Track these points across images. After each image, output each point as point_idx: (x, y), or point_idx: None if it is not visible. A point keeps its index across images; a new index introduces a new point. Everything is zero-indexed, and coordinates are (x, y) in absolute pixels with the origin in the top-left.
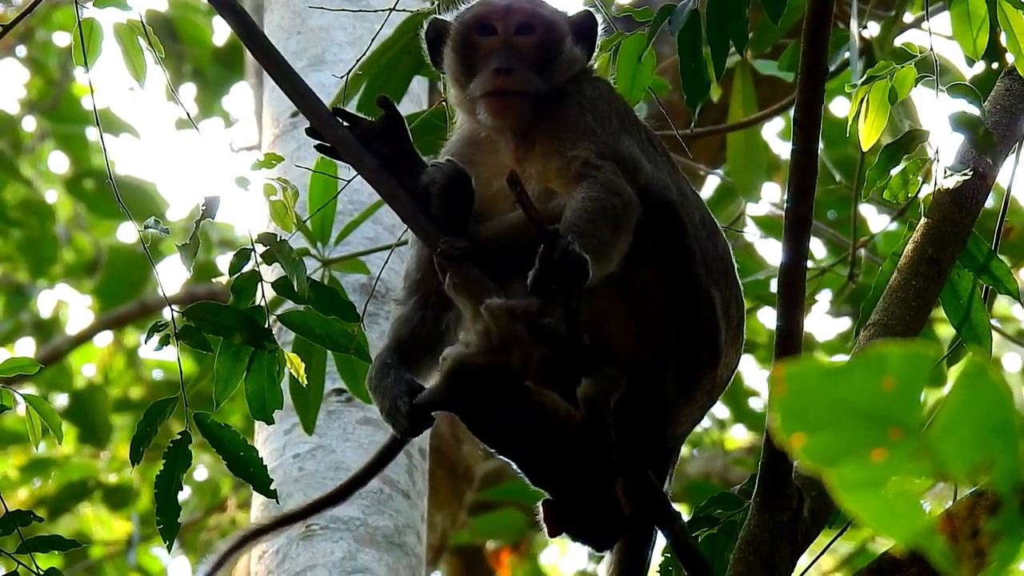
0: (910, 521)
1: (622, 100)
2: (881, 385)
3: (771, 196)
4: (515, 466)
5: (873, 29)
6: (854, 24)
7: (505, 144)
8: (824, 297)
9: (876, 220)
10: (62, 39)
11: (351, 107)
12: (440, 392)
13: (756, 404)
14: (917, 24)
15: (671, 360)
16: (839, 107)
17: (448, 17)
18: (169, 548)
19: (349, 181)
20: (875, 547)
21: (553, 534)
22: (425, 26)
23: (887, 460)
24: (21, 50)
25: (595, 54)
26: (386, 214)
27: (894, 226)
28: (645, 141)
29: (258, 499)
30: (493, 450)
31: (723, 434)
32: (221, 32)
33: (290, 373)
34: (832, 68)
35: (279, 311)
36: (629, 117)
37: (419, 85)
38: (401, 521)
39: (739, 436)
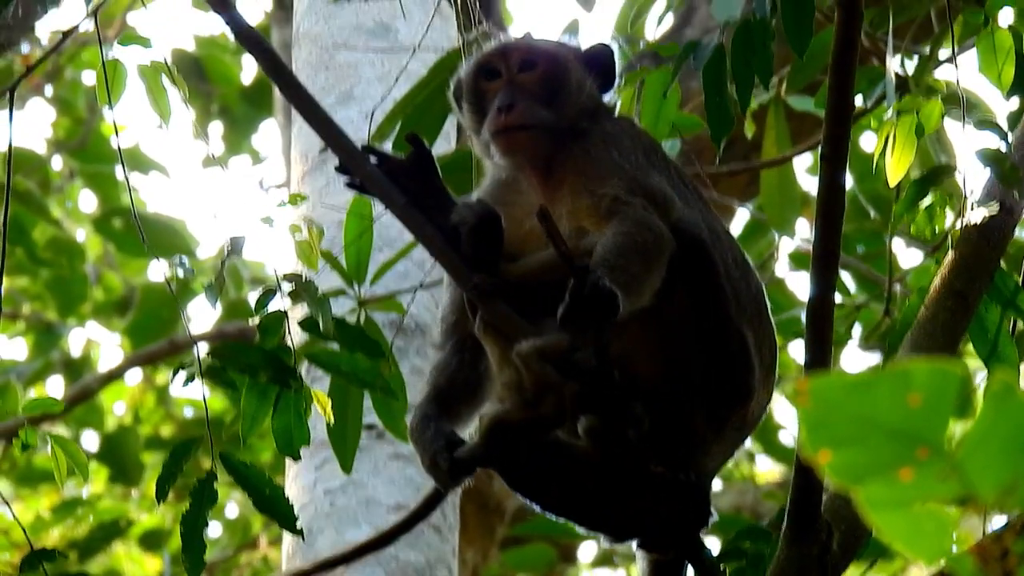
0: (939, 542)
1: (647, 135)
2: (907, 401)
3: (802, 231)
4: (564, 519)
5: (910, 66)
6: (889, 60)
7: (531, 184)
8: (857, 333)
9: (905, 254)
10: (89, 78)
11: (386, 147)
12: (479, 449)
13: (786, 438)
14: (951, 60)
15: (701, 396)
16: (872, 142)
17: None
18: None
19: (379, 217)
20: None
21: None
22: (451, 85)
23: (915, 480)
24: (48, 89)
25: (615, 86)
26: (417, 250)
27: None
28: (675, 177)
29: (289, 536)
30: (536, 505)
31: (753, 468)
32: (249, 70)
33: (319, 411)
34: (869, 105)
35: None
36: (656, 153)
37: (450, 124)
38: (432, 556)
39: (770, 470)
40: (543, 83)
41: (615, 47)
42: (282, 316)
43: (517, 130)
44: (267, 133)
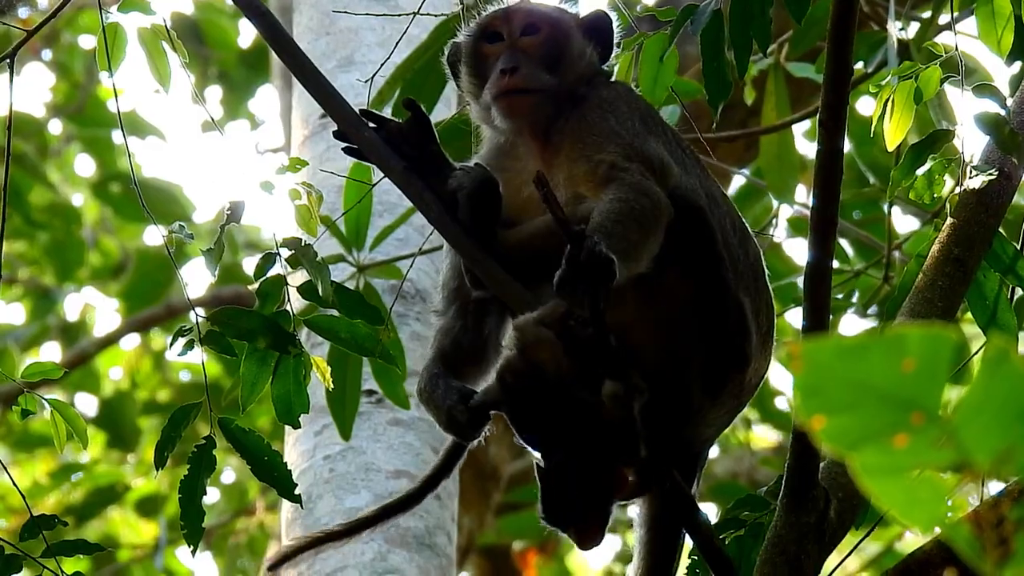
0: (934, 509)
1: (644, 101)
2: (901, 367)
3: (798, 196)
4: (537, 453)
5: (911, 32)
6: (891, 26)
7: (529, 150)
8: (856, 299)
9: (902, 220)
10: (87, 42)
11: (386, 112)
12: (493, 391)
13: (782, 404)
14: (951, 25)
15: (698, 364)
16: (870, 107)
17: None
18: (194, 552)
19: (377, 183)
20: (902, 547)
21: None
22: (446, 51)
23: (910, 446)
24: (47, 54)
25: (613, 55)
26: (416, 215)
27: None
28: (672, 143)
29: (288, 503)
30: (537, 449)
31: (749, 434)
32: (247, 34)
33: (318, 377)
34: (869, 70)
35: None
36: (653, 119)
37: (451, 89)
38: (431, 522)
39: (765, 436)
40: (545, 48)
41: (613, 16)
42: (281, 281)
43: (519, 93)
44: (265, 98)
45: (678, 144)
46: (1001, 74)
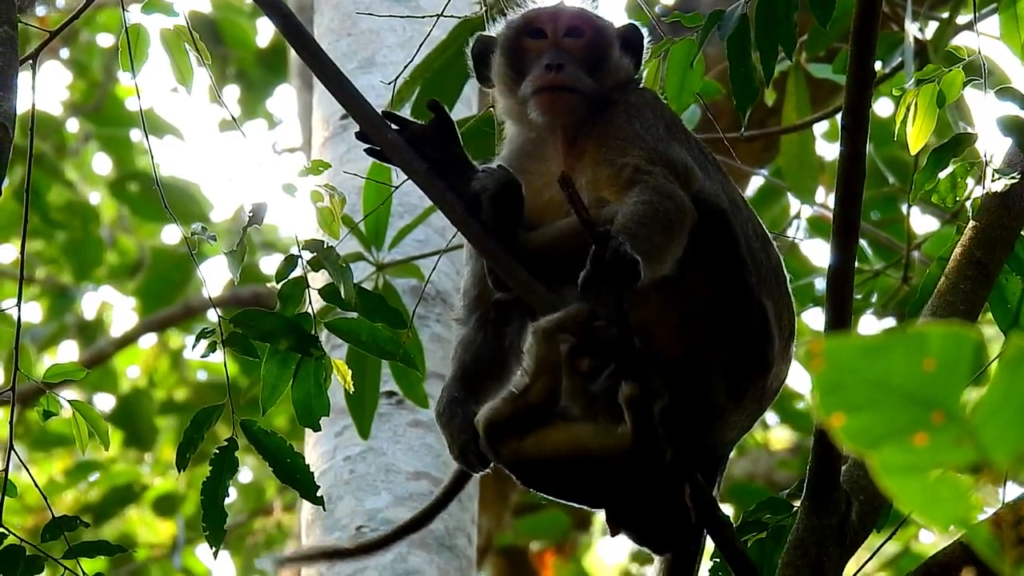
0: (954, 508)
1: (669, 109)
2: (922, 366)
3: (818, 197)
4: (576, 504)
5: (929, 32)
6: (908, 26)
7: (554, 151)
8: (875, 300)
9: (920, 221)
10: (106, 41)
11: (405, 111)
12: (489, 454)
13: (801, 406)
14: (970, 26)
15: (720, 368)
16: (888, 108)
17: (494, 32)
18: (216, 554)
19: (399, 185)
20: (919, 548)
21: (614, 534)
22: (471, 43)
23: (930, 444)
24: (64, 52)
25: (642, 66)
26: (436, 217)
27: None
28: (696, 150)
29: (308, 504)
30: (550, 496)
31: (767, 436)
32: (265, 33)
33: (338, 379)
34: (887, 71)
35: (330, 317)
36: (677, 125)
37: (471, 89)
38: (452, 524)
39: (783, 437)
40: (588, 51)
41: (644, 32)
42: (303, 283)
43: (562, 90)
44: (283, 97)
45: (701, 151)
46: (1018, 75)
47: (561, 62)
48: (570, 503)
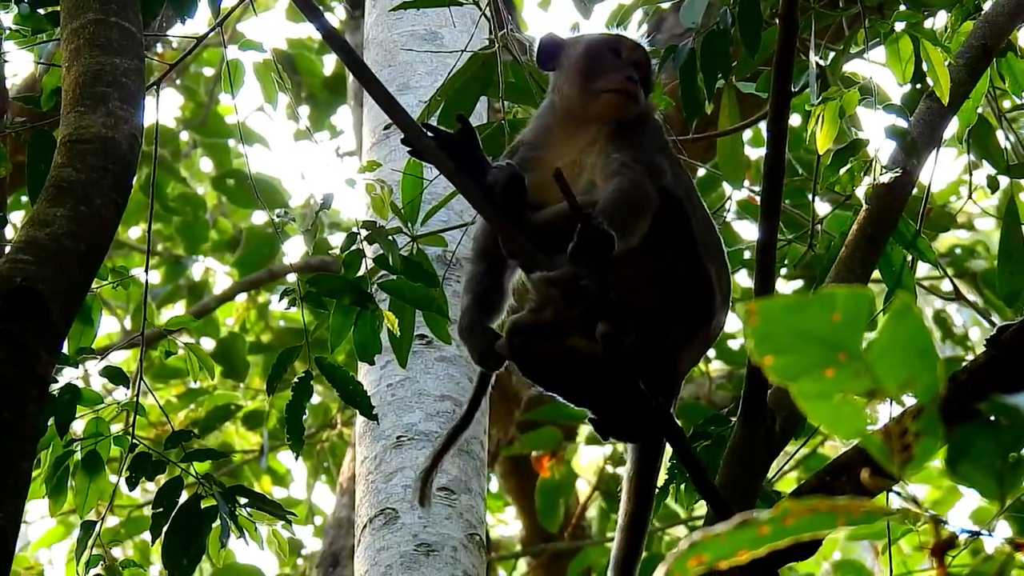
0: (854, 423)
1: (664, 134)
2: (831, 318)
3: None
4: (562, 398)
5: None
6: (812, 56)
7: (574, 137)
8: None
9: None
10: (209, 71)
11: (432, 121)
12: (505, 348)
13: (733, 344)
14: (860, 55)
15: (675, 316)
16: (797, 119)
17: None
18: (297, 456)
19: (433, 180)
20: (825, 451)
21: (604, 438)
22: (538, 41)
23: (836, 377)
24: (178, 80)
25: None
26: (456, 202)
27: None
28: (670, 158)
29: (361, 418)
30: (542, 388)
31: (708, 366)
32: (329, 65)
33: (387, 325)
34: (795, 90)
35: (378, 279)
36: (666, 146)
37: (481, 106)
38: (468, 433)
39: (719, 368)
40: (644, 78)
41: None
42: (361, 254)
43: (632, 98)
44: (342, 114)
45: (672, 158)
46: (895, 93)
47: (637, 78)
48: (559, 396)
